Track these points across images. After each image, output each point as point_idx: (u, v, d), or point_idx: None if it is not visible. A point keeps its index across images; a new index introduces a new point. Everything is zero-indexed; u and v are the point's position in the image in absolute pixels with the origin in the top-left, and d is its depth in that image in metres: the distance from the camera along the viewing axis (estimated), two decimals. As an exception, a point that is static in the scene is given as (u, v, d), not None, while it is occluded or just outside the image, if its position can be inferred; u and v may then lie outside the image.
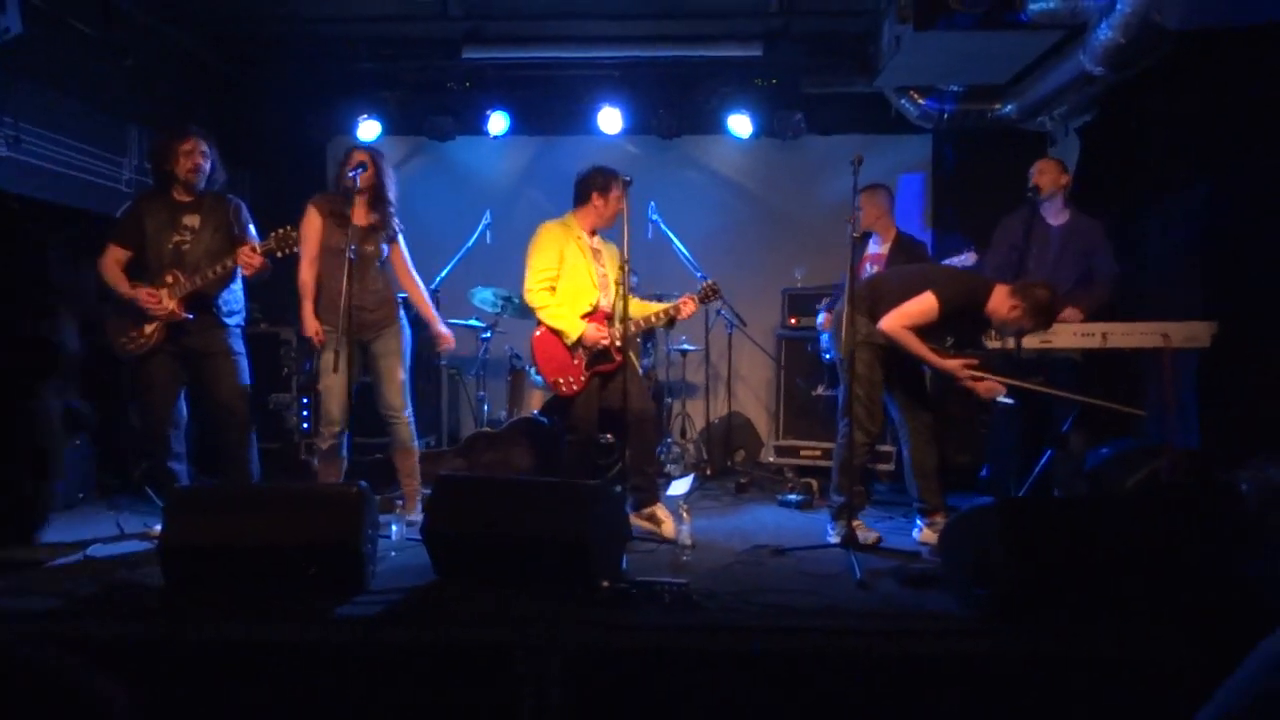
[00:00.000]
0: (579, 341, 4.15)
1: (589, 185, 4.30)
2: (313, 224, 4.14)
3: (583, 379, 4.18)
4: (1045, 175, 4.68)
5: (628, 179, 4.10)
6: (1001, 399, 3.95)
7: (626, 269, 4.06)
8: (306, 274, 4.15)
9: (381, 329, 4.23)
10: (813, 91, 6.28)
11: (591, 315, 4.23)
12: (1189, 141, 4.84)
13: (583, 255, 4.26)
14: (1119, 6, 3.83)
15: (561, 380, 4.20)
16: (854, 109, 6.49)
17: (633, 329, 4.20)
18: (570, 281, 4.24)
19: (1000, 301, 3.81)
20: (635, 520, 4.12)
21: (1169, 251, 5.03)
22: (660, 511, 4.17)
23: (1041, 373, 4.35)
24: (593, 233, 4.37)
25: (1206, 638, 2.60)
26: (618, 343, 4.18)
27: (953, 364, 3.86)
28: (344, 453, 4.24)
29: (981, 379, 3.89)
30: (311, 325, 4.12)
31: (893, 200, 5.25)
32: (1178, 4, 3.13)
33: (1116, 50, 4.07)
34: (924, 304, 3.82)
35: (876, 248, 5.19)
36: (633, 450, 4.25)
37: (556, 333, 4.20)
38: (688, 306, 4.34)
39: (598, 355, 4.19)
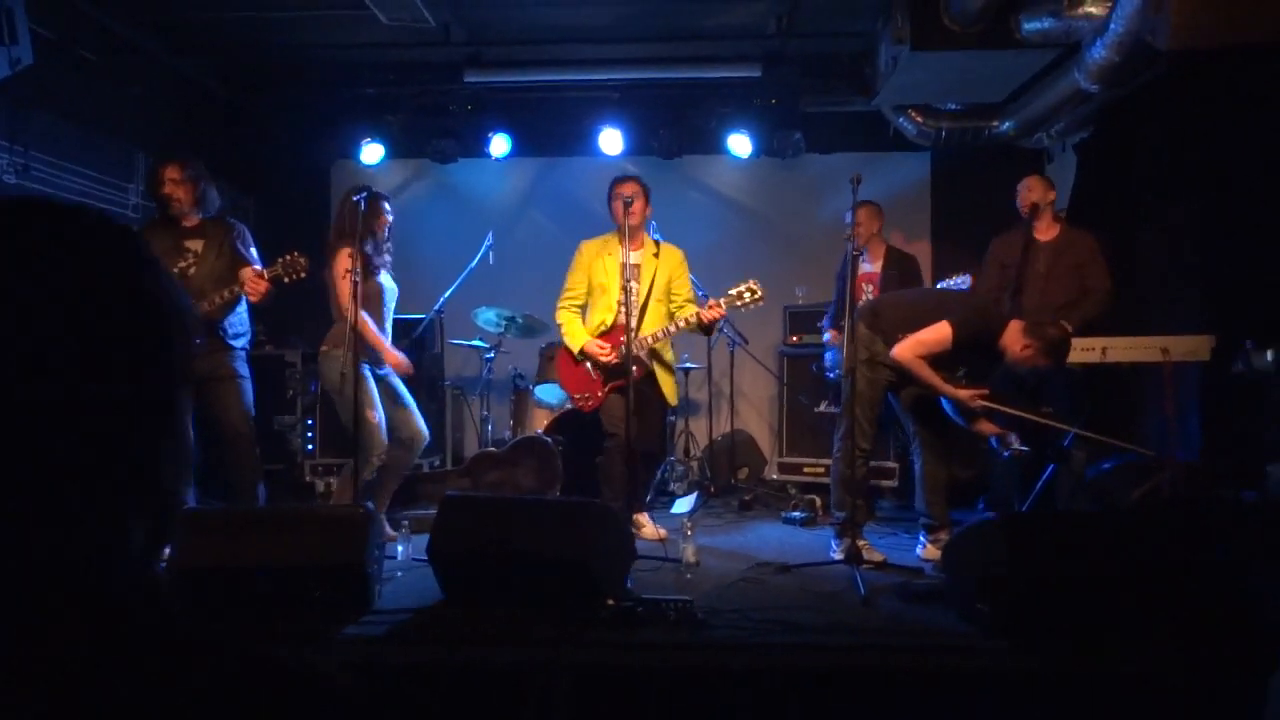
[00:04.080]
0: (582, 353, 4.28)
1: None
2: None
3: (600, 395, 4.29)
4: (1035, 191, 4.73)
5: (626, 175, 4.21)
6: (1016, 446, 3.94)
7: (630, 287, 4.08)
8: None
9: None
10: (811, 111, 6.34)
11: (607, 333, 4.31)
12: (1185, 156, 4.88)
13: (609, 274, 4.31)
14: (1112, 26, 3.87)
15: (578, 396, 4.34)
16: (853, 128, 6.55)
17: (649, 343, 4.22)
18: (595, 302, 4.36)
19: (1014, 339, 3.82)
20: None
21: (1167, 266, 5.06)
22: (641, 517, 4.28)
23: (1043, 394, 4.38)
24: (639, 245, 4.34)
25: (1211, 653, 2.61)
26: (640, 353, 4.18)
27: (963, 393, 3.87)
28: None
29: (990, 410, 3.91)
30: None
31: (883, 217, 5.32)
32: (1165, 26, 3.17)
33: (1111, 69, 4.11)
34: (939, 333, 3.83)
35: (868, 266, 5.24)
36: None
37: (569, 348, 4.34)
38: (709, 313, 4.13)
39: (613, 371, 4.24)
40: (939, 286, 5.03)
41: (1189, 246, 4.87)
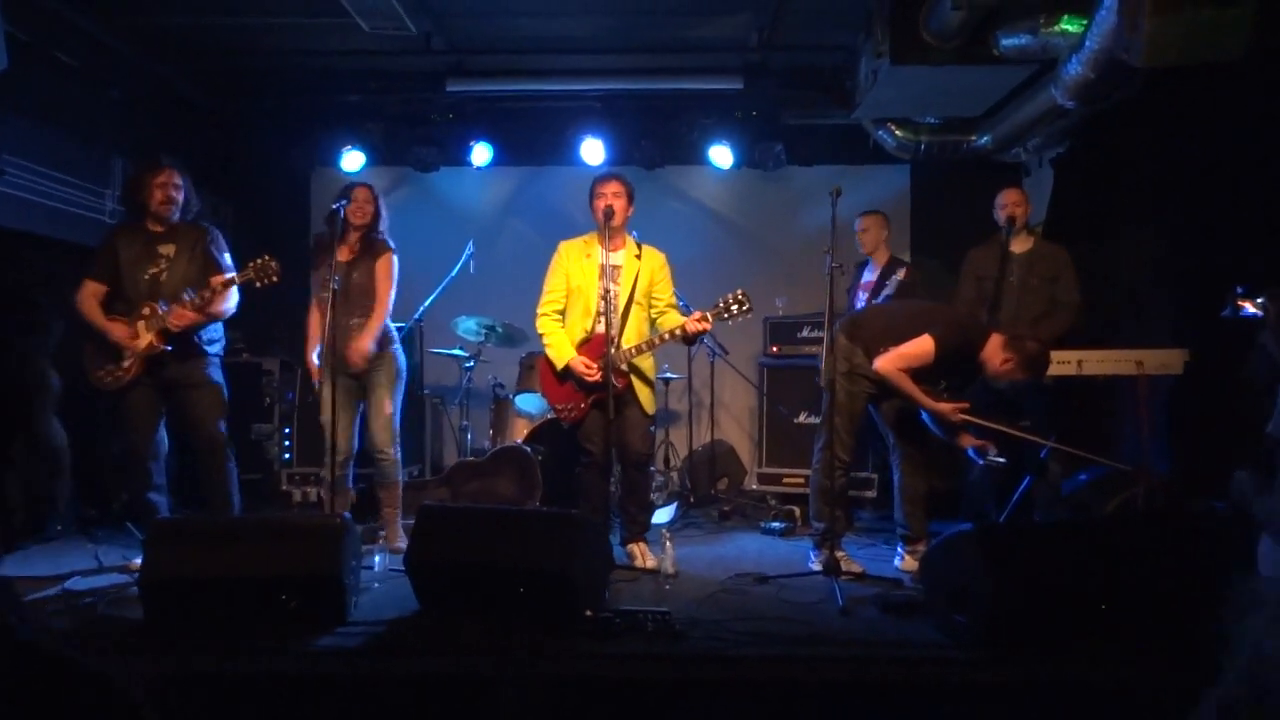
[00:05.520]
0: (567, 370, 4.11)
1: None
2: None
3: (583, 407, 4.13)
4: (1021, 206, 4.78)
5: (610, 174, 4.18)
6: (993, 458, 3.95)
7: (610, 292, 4.03)
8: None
9: (372, 363, 4.28)
10: (793, 123, 6.38)
11: (587, 343, 4.13)
12: (1160, 172, 4.94)
13: (586, 276, 4.14)
14: (1088, 43, 3.92)
15: (561, 408, 4.19)
16: (833, 140, 6.59)
17: (630, 355, 4.04)
18: (573, 305, 4.20)
19: (993, 352, 3.85)
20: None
21: (1141, 280, 5.12)
22: (638, 547, 4.18)
23: (1020, 407, 4.41)
24: (620, 246, 4.20)
25: (1184, 662, 2.63)
26: (621, 366, 4.02)
27: (944, 407, 3.89)
28: (350, 484, 4.38)
29: (970, 423, 3.93)
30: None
31: (889, 225, 5.40)
32: (1139, 43, 3.22)
33: (1086, 85, 4.15)
34: (920, 347, 3.85)
35: (870, 275, 5.29)
36: (622, 490, 4.32)
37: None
38: (695, 325, 3.98)
39: (596, 385, 4.02)
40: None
41: (1163, 261, 4.93)
